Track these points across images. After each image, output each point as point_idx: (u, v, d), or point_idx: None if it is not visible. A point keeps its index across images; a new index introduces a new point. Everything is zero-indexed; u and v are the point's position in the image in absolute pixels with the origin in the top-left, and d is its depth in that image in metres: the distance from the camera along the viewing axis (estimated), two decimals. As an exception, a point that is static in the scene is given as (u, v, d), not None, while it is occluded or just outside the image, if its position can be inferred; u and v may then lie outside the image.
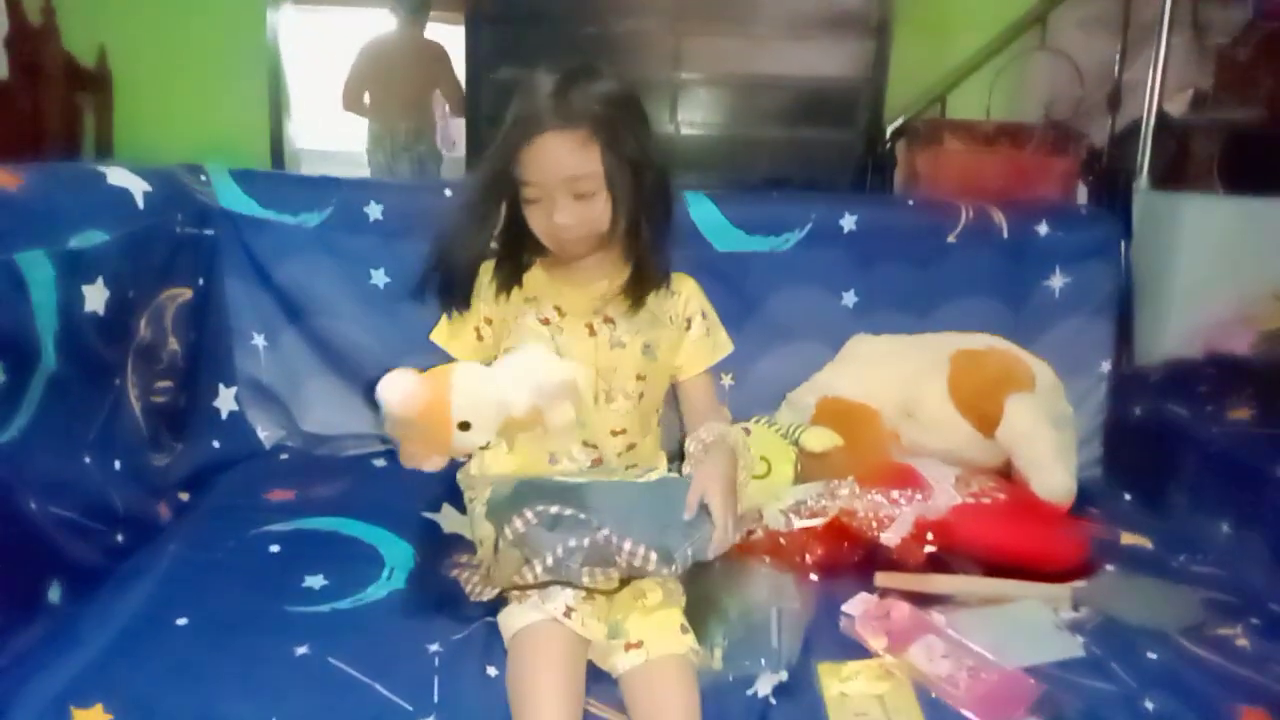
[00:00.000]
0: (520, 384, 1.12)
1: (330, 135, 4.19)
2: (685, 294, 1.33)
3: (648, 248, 1.26)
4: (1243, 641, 1.11)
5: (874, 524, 1.18)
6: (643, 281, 1.28)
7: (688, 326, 1.33)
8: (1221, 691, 1.01)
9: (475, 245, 1.26)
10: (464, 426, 1.10)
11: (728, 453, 1.18)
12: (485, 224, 1.24)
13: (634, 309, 1.27)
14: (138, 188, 1.27)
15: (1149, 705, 0.98)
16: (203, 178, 1.47)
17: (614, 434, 1.28)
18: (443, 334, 1.32)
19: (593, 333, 1.26)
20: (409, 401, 1.07)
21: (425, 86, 3.74)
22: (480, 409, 1.11)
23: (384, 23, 3.83)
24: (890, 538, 1.16)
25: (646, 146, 1.21)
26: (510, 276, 1.29)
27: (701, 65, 2.44)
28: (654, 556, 1.05)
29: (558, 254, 1.25)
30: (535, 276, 1.30)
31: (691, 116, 2.47)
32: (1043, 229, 1.60)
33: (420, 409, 1.08)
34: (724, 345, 1.38)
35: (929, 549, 1.17)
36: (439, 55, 3.67)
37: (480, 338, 1.31)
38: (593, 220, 1.19)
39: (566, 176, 1.15)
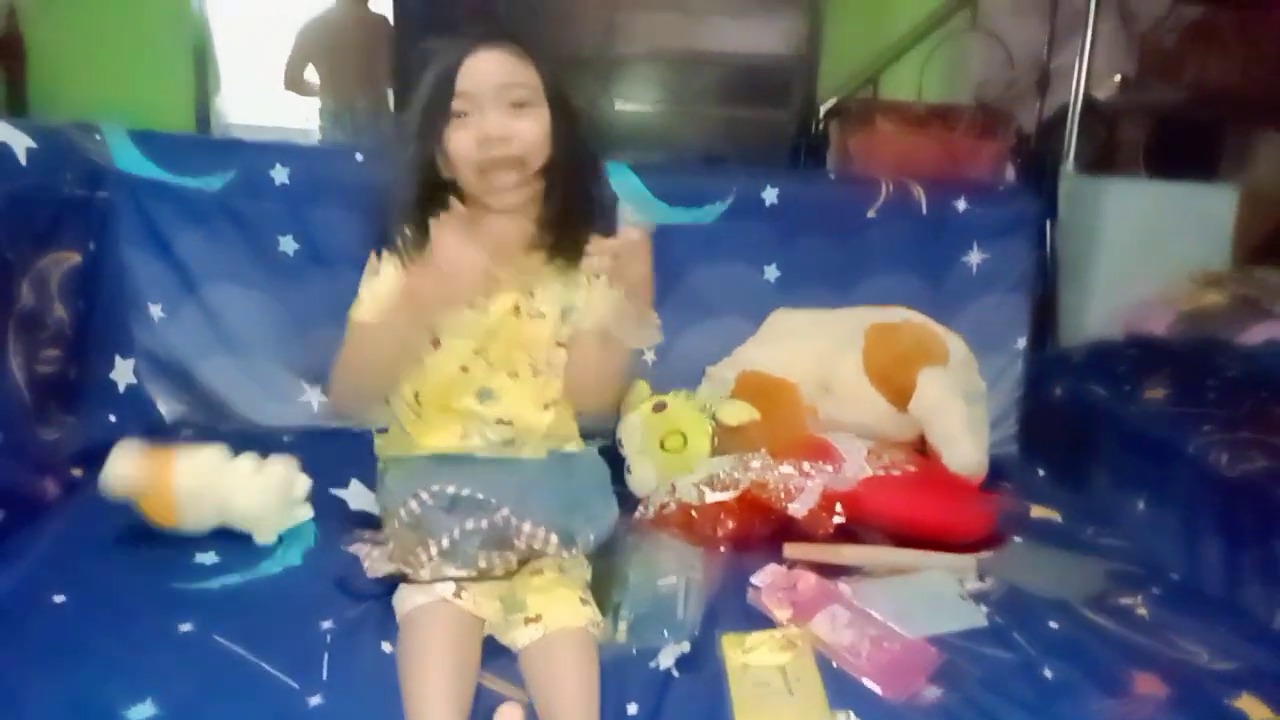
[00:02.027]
0: (251, 495, 1.11)
1: (267, 110, 4.06)
2: None
3: (579, 184, 1.17)
4: (1142, 611, 1.12)
5: (783, 495, 1.17)
6: (573, 224, 1.16)
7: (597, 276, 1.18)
8: (1117, 658, 1.02)
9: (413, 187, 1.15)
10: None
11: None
12: (422, 163, 1.14)
13: (568, 264, 1.18)
14: (20, 144, 1.20)
15: (1047, 673, 0.99)
16: (97, 136, 1.40)
17: (545, 407, 1.22)
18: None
19: (518, 312, 1.19)
20: (129, 482, 1.07)
21: (375, 61, 3.65)
22: (201, 504, 1.10)
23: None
24: (798, 509, 1.16)
25: (573, 97, 1.17)
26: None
27: (636, 40, 2.40)
28: (554, 539, 1.03)
29: (478, 190, 1.15)
30: None
31: (626, 93, 2.43)
32: (961, 205, 1.61)
33: (142, 486, 1.08)
34: None
35: (838, 520, 1.16)
36: (387, 29, 3.59)
37: None
38: (524, 136, 1.11)
39: (500, 83, 1.10)
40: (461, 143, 1.12)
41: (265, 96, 3.95)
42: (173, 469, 1.07)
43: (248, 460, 1.12)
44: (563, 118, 1.15)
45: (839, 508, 1.17)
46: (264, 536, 1.13)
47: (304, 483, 1.17)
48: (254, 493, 1.10)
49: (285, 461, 1.15)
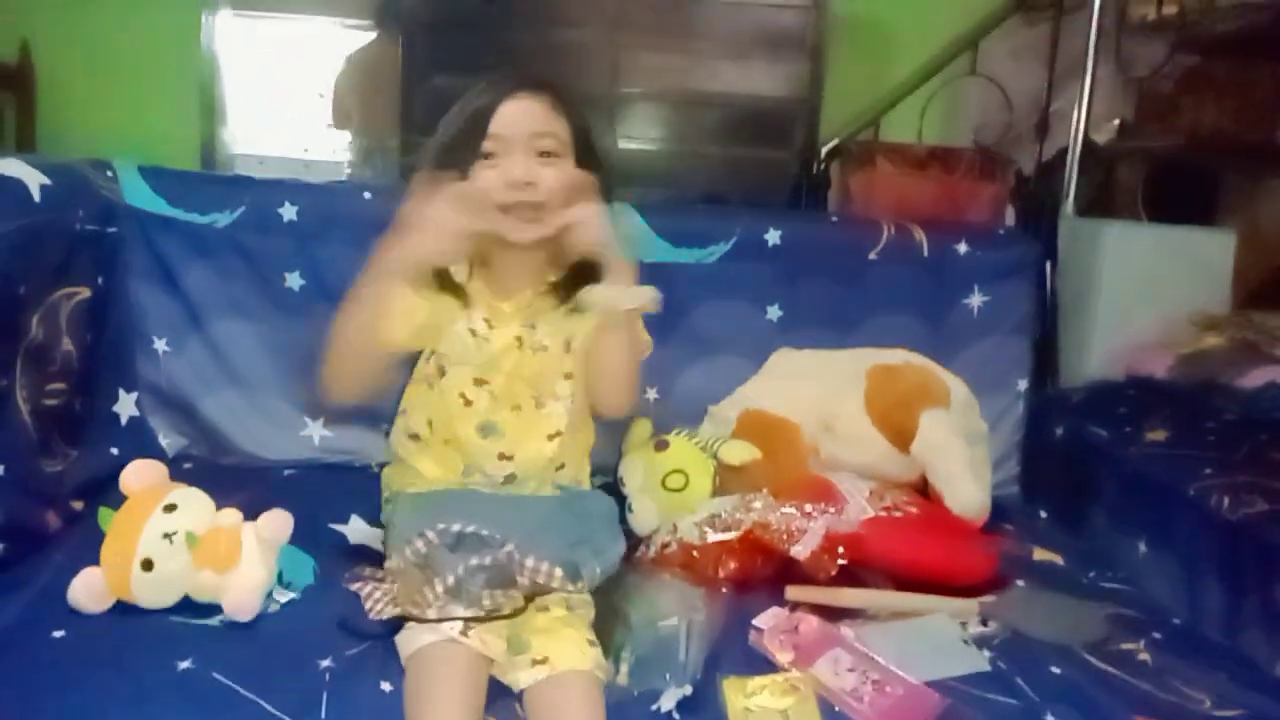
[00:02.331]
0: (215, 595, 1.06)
1: (270, 140, 4.11)
2: None
3: None
4: (1144, 656, 1.12)
5: (785, 537, 1.17)
6: (584, 276, 1.20)
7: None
8: (1120, 704, 1.01)
9: None
10: (146, 565, 1.04)
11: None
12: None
13: (563, 303, 1.22)
14: (34, 180, 1.21)
15: (1049, 719, 0.98)
16: (109, 173, 1.42)
17: (550, 438, 1.25)
18: None
19: (521, 345, 1.22)
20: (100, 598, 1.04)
21: None
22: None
23: (332, 35, 3.79)
24: (800, 550, 1.15)
25: (601, 145, 1.22)
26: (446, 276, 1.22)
27: (640, 80, 2.43)
28: (559, 573, 1.03)
29: (501, 234, 1.17)
30: (472, 286, 1.24)
31: (629, 131, 2.46)
32: (962, 248, 1.63)
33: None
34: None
35: (840, 562, 1.16)
36: None
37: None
38: (548, 184, 1.15)
39: (532, 131, 1.14)
40: (487, 182, 1.15)
41: (268, 127, 4.01)
42: (132, 596, 1.04)
43: (210, 576, 1.06)
44: (585, 171, 1.19)
45: (841, 550, 1.16)
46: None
47: (277, 548, 1.12)
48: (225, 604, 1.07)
49: (249, 588, 1.07)
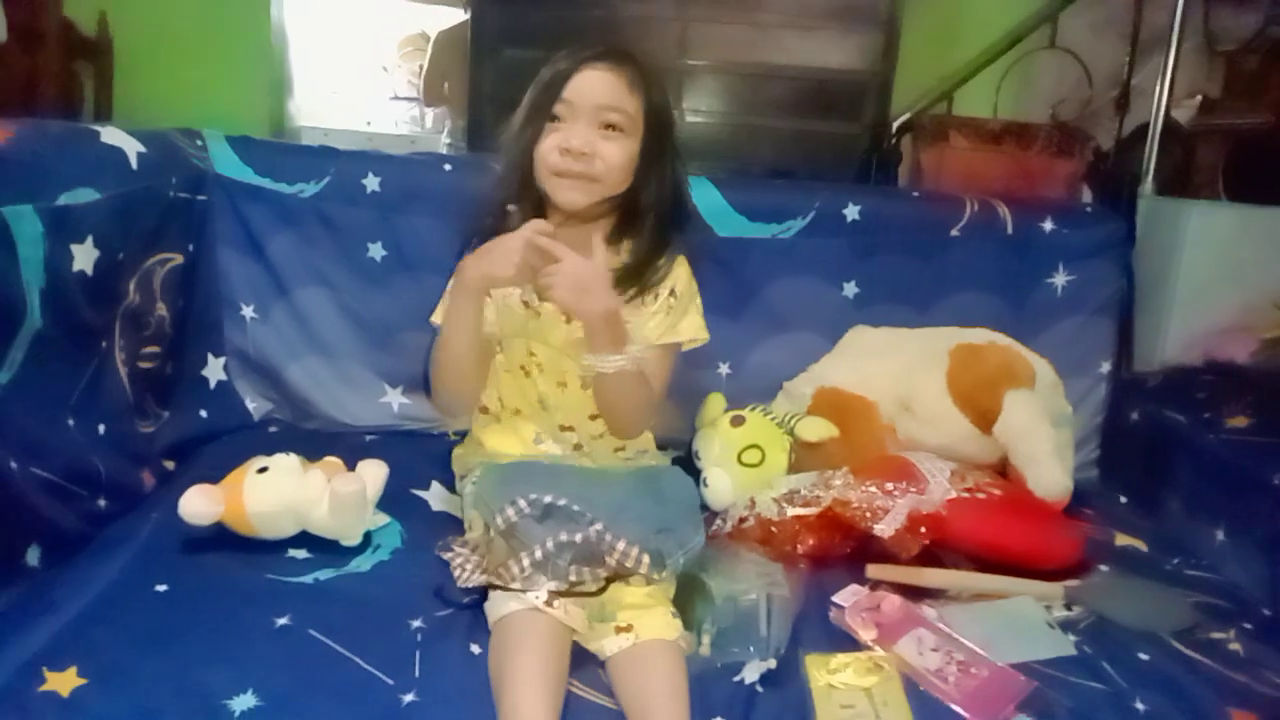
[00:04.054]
0: (319, 501, 1.12)
1: (335, 114, 4.17)
2: (668, 275, 1.26)
3: (654, 233, 1.23)
4: (1235, 646, 1.10)
5: (868, 515, 1.17)
6: (640, 271, 1.23)
7: (655, 301, 1.25)
8: (1212, 694, 1.00)
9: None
10: (261, 470, 1.13)
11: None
12: (520, 160, 1.21)
13: (629, 298, 1.23)
14: (132, 148, 1.25)
15: (1139, 706, 0.97)
16: (199, 142, 1.45)
17: (591, 418, 1.27)
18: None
19: (569, 320, 1.23)
20: (204, 518, 1.09)
21: None
22: (279, 521, 1.12)
23: (395, 10, 3.83)
24: (884, 529, 1.15)
25: (673, 131, 1.24)
26: None
27: (708, 52, 2.40)
28: (646, 559, 1.04)
29: (548, 190, 1.20)
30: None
31: (697, 104, 2.44)
32: (1048, 226, 1.59)
33: (219, 517, 1.10)
34: (684, 331, 1.26)
35: (923, 542, 1.15)
36: None
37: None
38: (605, 158, 1.16)
39: (602, 103, 1.16)
40: (546, 145, 1.17)
41: (333, 100, 4.07)
42: (243, 497, 1.10)
43: (319, 475, 1.13)
44: (652, 154, 1.20)
45: (924, 530, 1.15)
46: (348, 540, 1.15)
47: (376, 492, 1.18)
48: (327, 508, 1.12)
49: (355, 476, 1.15)
